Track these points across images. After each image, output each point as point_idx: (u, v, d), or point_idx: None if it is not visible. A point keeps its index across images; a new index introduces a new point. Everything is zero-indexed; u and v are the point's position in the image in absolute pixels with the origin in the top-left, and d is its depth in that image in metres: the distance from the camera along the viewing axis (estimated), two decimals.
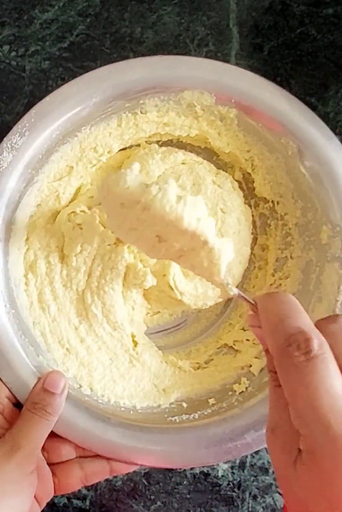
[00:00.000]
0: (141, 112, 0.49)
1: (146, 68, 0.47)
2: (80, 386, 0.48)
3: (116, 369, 0.50)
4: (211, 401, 0.48)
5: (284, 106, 0.48)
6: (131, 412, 0.48)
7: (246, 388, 0.48)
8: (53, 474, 0.45)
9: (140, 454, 0.44)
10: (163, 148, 0.52)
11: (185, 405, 0.49)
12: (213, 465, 0.52)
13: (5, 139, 0.45)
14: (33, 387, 0.44)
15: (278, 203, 0.52)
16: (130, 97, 0.48)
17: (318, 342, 0.30)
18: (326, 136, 0.48)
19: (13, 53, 0.56)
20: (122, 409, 0.48)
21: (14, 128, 0.45)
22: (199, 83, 0.48)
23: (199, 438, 0.45)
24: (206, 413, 0.47)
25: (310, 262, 0.50)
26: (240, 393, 0.48)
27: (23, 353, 0.45)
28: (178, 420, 0.47)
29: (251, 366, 0.50)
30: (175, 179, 0.50)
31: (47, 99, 0.46)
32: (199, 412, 0.47)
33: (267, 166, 0.51)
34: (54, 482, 0.45)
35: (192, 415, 0.47)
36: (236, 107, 0.49)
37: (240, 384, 0.49)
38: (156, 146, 0.52)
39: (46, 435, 0.43)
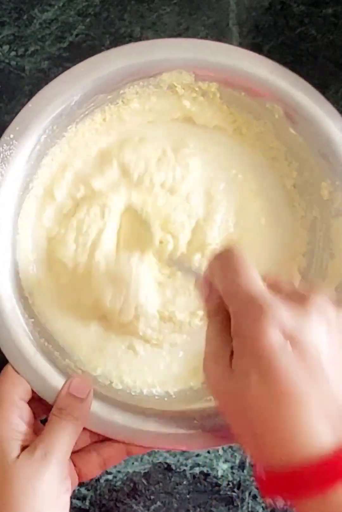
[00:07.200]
0: (123, 102, 0.49)
1: (122, 57, 0.47)
2: (111, 382, 0.48)
3: (143, 358, 0.49)
4: None
5: (263, 72, 0.48)
6: (166, 399, 0.48)
7: None
8: (73, 463, 0.44)
9: (183, 439, 0.44)
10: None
11: None
12: (213, 465, 0.52)
13: None
14: (59, 393, 0.44)
15: (272, 167, 0.52)
16: (110, 88, 0.48)
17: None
18: (311, 94, 0.48)
19: (13, 53, 0.56)
20: (157, 397, 0.48)
21: (2, 139, 0.45)
22: (176, 63, 0.48)
23: None
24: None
25: (315, 220, 0.50)
26: None
27: (49, 360, 0.45)
28: (213, 399, 0.46)
29: None
30: None
31: (29, 105, 0.46)
32: None
33: (255, 133, 0.51)
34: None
35: None
36: (216, 81, 0.49)
37: None
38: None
39: (75, 440, 0.42)
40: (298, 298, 0.34)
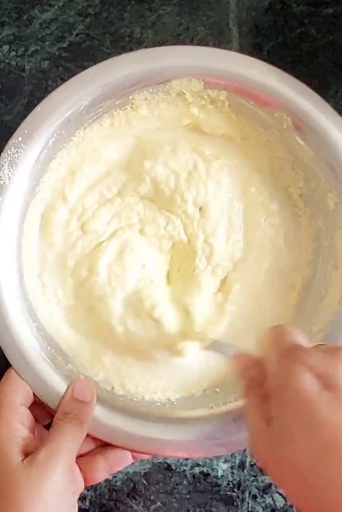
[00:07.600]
0: (131, 108, 0.49)
1: (132, 63, 0.47)
2: (113, 388, 0.48)
3: (144, 364, 0.50)
4: None
5: (273, 82, 0.47)
6: (167, 405, 0.48)
7: None
8: (79, 468, 0.44)
9: (184, 447, 0.44)
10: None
11: (218, 390, 0.48)
12: (213, 465, 0.52)
13: (2, 154, 0.45)
14: (62, 397, 0.44)
15: (279, 177, 0.52)
16: (119, 94, 0.48)
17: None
18: (319, 105, 0.47)
19: (13, 53, 0.56)
20: (158, 404, 0.48)
21: (10, 141, 0.45)
22: (185, 71, 0.48)
23: (238, 421, 0.44)
24: (240, 395, 0.46)
25: (319, 230, 0.50)
26: None
27: (52, 364, 0.45)
28: (214, 407, 0.47)
29: None
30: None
31: (38, 108, 0.46)
32: (234, 395, 0.47)
33: (263, 142, 0.51)
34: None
35: (228, 399, 0.47)
36: (225, 89, 0.48)
37: None
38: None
39: (80, 444, 0.42)
40: (330, 350, 0.35)
